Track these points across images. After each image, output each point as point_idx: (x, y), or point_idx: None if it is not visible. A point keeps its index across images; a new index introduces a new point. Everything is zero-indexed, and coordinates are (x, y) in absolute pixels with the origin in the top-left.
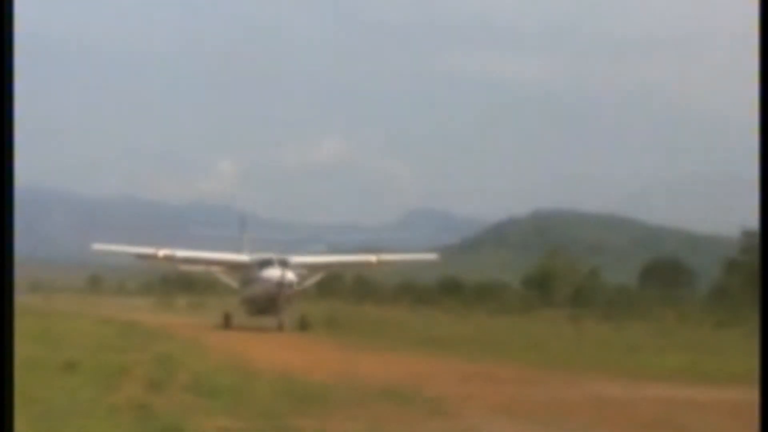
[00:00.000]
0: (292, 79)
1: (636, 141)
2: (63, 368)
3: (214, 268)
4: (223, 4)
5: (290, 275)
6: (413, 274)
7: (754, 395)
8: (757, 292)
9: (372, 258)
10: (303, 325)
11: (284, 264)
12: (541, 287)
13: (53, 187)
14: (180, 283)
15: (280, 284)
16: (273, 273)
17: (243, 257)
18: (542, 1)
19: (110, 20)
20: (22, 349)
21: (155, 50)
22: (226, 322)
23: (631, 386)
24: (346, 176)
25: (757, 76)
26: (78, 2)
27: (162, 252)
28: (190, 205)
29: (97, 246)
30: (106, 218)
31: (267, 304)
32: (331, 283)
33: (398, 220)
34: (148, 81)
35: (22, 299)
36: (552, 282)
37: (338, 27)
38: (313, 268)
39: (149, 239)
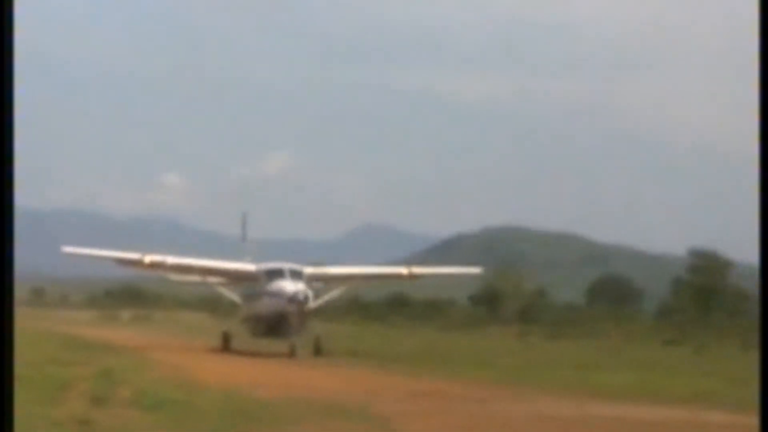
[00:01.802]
0: (239, 92)
1: (585, 159)
2: None
3: (213, 279)
4: (170, 17)
5: (305, 289)
6: (359, 290)
7: (700, 415)
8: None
9: (403, 270)
10: (317, 350)
11: (298, 275)
12: (489, 304)
13: None
14: (125, 296)
15: (293, 300)
16: (284, 286)
17: (247, 266)
18: (491, 18)
19: (54, 32)
20: None
21: (102, 63)
22: (225, 345)
23: (579, 404)
24: (294, 191)
25: (709, 97)
26: (23, 15)
27: (149, 257)
28: (137, 218)
29: (68, 249)
30: (50, 231)
31: (276, 323)
32: None
33: (346, 235)
34: (94, 93)
35: None
36: (500, 299)
37: (286, 41)
38: (331, 281)
39: None
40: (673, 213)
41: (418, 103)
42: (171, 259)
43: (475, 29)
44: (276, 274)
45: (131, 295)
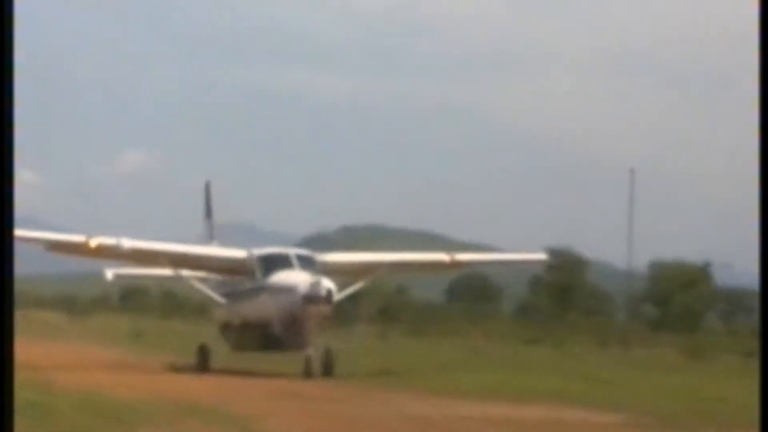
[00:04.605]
0: (95, 87)
1: (447, 159)
2: None
3: (185, 272)
4: (34, 12)
5: (327, 282)
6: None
7: (561, 413)
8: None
9: (444, 257)
10: (327, 368)
11: (309, 263)
12: (348, 302)
13: None
14: None
15: (311, 298)
16: (296, 278)
17: (235, 252)
18: (354, 18)
19: None
20: None
21: None
22: (202, 363)
23: (441, 404)
24: (151, 189)
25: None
26: None
27: (96, 240)
28: None
29: None
30: None
31: (281, 331)
32: (135, 296)
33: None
34: None
35: None
36: (359, 297)
37: (145, 36)
38: (350, 271)
39: None
40: (531, 212)
41: (278, 102)
42: (128, 243)
43: (337, 28)
44: (278, 261)
45: None
